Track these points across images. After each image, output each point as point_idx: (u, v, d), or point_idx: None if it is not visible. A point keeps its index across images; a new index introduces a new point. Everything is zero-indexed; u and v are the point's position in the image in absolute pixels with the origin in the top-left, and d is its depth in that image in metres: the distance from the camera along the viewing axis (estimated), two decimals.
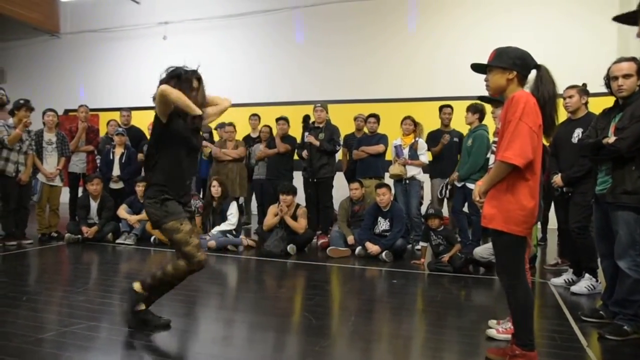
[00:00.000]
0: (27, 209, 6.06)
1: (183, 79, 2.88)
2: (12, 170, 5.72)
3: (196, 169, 3.13)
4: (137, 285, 2.97)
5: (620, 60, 3.18)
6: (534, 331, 2.49)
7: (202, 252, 2.90)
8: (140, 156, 7.24)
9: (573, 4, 8.12)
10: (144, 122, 7.73)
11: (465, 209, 5.81)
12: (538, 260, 5.15)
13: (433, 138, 6.36)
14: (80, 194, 7.06)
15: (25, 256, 5.46)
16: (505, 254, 2.46)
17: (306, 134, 6.48)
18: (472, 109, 5.65)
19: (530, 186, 2.39)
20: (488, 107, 5.29)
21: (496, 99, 3.46)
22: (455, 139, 6.08)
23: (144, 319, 3.02)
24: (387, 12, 9.25)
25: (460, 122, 6.17)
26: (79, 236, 6.14)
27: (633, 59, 3.15)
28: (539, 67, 2.46)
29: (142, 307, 3.01)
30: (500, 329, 3.04)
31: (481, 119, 5.64)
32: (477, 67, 2.59)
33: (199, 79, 2.97)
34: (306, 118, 6.59)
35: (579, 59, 7.39)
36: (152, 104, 2.87)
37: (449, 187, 5.93)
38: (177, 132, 2.89)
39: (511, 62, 2.45)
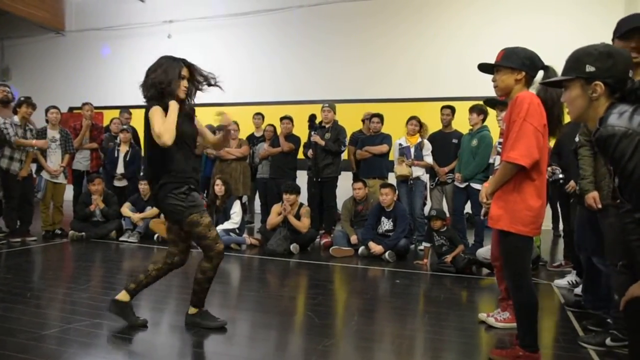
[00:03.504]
0: (32, 205, 6.07)
1: (168, 69, 2.82)
2: (17, 169, 5.75)
3: (193, 155, 3.13)
4: (190, 309, 3.07)
5: None
6: (537, 333, 2.49)
7: (220, 243, 2.94)
8: None
9: (580, 7, 8.09)
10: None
11: (469, 209, 5.80)
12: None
13: (432, 140, 6.26)
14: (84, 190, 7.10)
15: (29, 253, 5.47)
16: (511, 254, 2.45)
17: (313, 133, 6.48)
18: (476, 110, 5.62)
19: (537, 186, 2.38)
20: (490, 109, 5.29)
21: (503, 101, 3.47)
22: (455, 141, 6.03)
23: (197, 321, 3.05)
24: (393, 12, 9.24)
25: (461, 123, 6.15)
26: (83, 233, 6.15)
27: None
28: (546, 69, 2.45)
29: (195, 310, 3.07)
30: (498, 317, 3.15)
31: (484, 119, 5.63)
32: (484, 67, 2.58)
33: (189, 66, 2.92)
34: (312, 117, 6.58)
35: None
36: None
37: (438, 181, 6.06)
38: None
39: (520, 63, 2.45)
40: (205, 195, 7.09)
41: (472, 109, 5.68)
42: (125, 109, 7.94)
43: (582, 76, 1.76)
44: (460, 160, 5.75)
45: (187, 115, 2.98)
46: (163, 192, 2.86)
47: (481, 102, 5.63)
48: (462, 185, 5.62)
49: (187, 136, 2.93)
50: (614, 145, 1.58)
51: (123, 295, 3.04)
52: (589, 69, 1.74)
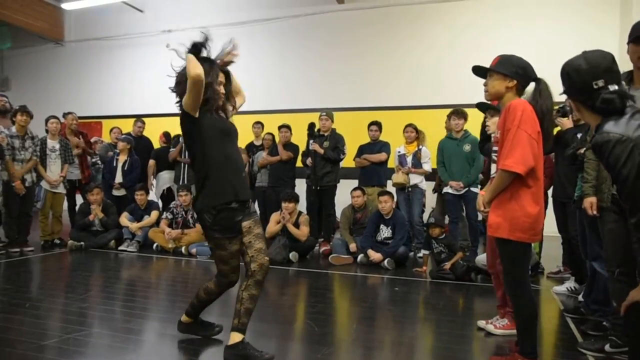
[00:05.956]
0: (30, 215, 6.07)
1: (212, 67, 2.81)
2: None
3: (240, 156, 3.02)
4: (184, 317, 3.05)
5: None
6: (537, 340, 2.49)
7: (236, 274, 2.85)
8: (151, 163, 7.31)
9: (577, 17, 8.16)
10: (146, 130, 7.76)
11: (466, 213, 5.80)
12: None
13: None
14: (77, 200, 7.09)
15: (28, 263, 5.47)
16: (511, 262, 2.46)
17: (311, 141, 6.51)
18: (464, 115, 5.61)
19: (534, 192, 2.40)
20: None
21: (494, 106, 3.48)
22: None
23: (193, 330, 3.06)
24: (392, 20, 9.28)
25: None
26: (82, 243, 6.15)
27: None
28: (538, 81, 2.48)
29: (189, 319, 3.05)
30: (497, 324, 3.16)
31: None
32: (478, 71, 2.61)
33: (226, 73, 2.93)
34: (311, 126, 6.61)
35: None
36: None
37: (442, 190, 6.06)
38: (211, 124, 2.75)
39: (513, 70, 2.47)
40: None
41: (457, 114, 5.63)
42: (139, 118, 7.83)
43: None
44: (449, 167, 5.68)
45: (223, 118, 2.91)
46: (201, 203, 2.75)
47: (461, 108, 5.66)
48: (461, 193, 5.60)
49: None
50: (609, 151, 1.62)
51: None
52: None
